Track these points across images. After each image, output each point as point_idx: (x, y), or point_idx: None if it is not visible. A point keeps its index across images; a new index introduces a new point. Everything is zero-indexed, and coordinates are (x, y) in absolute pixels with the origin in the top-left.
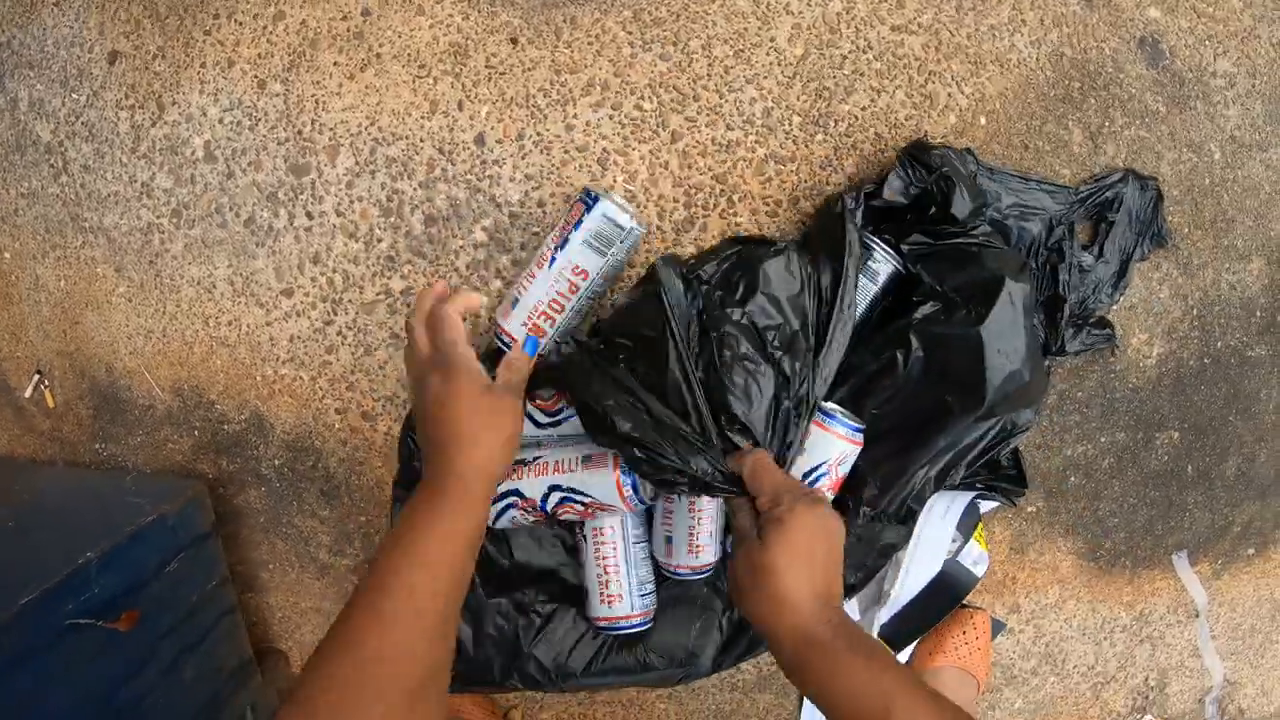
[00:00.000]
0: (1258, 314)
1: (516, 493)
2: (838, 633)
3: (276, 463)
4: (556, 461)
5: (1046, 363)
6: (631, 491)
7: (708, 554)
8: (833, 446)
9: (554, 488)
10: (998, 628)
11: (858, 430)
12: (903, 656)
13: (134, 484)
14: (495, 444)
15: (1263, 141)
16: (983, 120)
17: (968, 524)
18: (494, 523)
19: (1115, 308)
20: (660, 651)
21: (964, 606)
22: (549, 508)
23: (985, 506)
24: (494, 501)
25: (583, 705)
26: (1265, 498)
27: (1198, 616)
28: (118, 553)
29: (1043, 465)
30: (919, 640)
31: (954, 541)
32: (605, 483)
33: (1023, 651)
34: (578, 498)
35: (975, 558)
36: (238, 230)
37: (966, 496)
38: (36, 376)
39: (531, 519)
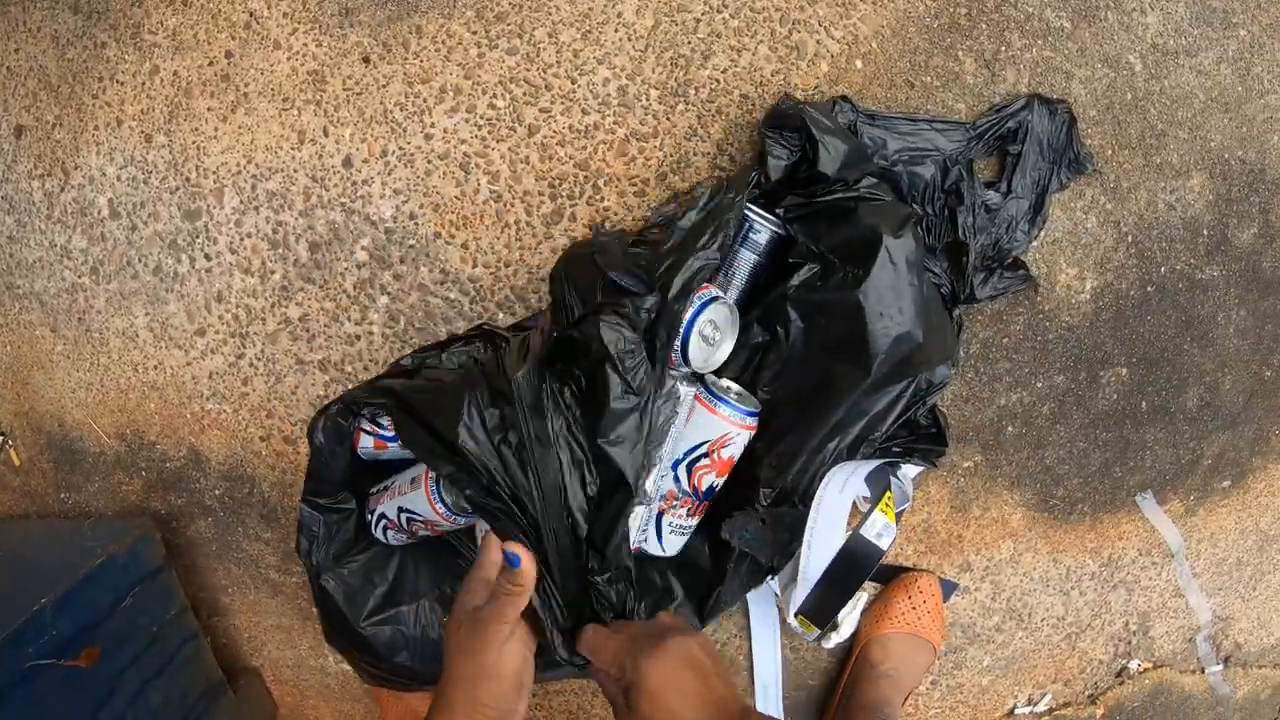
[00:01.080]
0: (1204, 233)
1: (384, 515)
2: None
3: (217, 493)
4: (398, 485)
5: (957, 312)
6: (444, 508)
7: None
8: (714, 427)
9: (400, 509)
10: (949, 589)
11: (749, 414)
12: (846, 629)
13: (90, 528)
14: (459, 671)
15: (1190, 46)
16: (859, 64)
17: (876, 494)
18: (383, 539)
19: (1036, 244)
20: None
21: (908, 570)
22: (408, 528)
23: (912, 471)
24: (372, 522)
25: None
26: (1235, 426)
27: (1174, 556)
28: (72, 595)
29: (974, 419)
30: (864, 610)
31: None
32: (422, 500)
33: (982, 609)
34: (416, 517)
35: (879, 529)
36: (148, 279)
37: (867, 466)
38: (1, 438)
39: (406, 538)
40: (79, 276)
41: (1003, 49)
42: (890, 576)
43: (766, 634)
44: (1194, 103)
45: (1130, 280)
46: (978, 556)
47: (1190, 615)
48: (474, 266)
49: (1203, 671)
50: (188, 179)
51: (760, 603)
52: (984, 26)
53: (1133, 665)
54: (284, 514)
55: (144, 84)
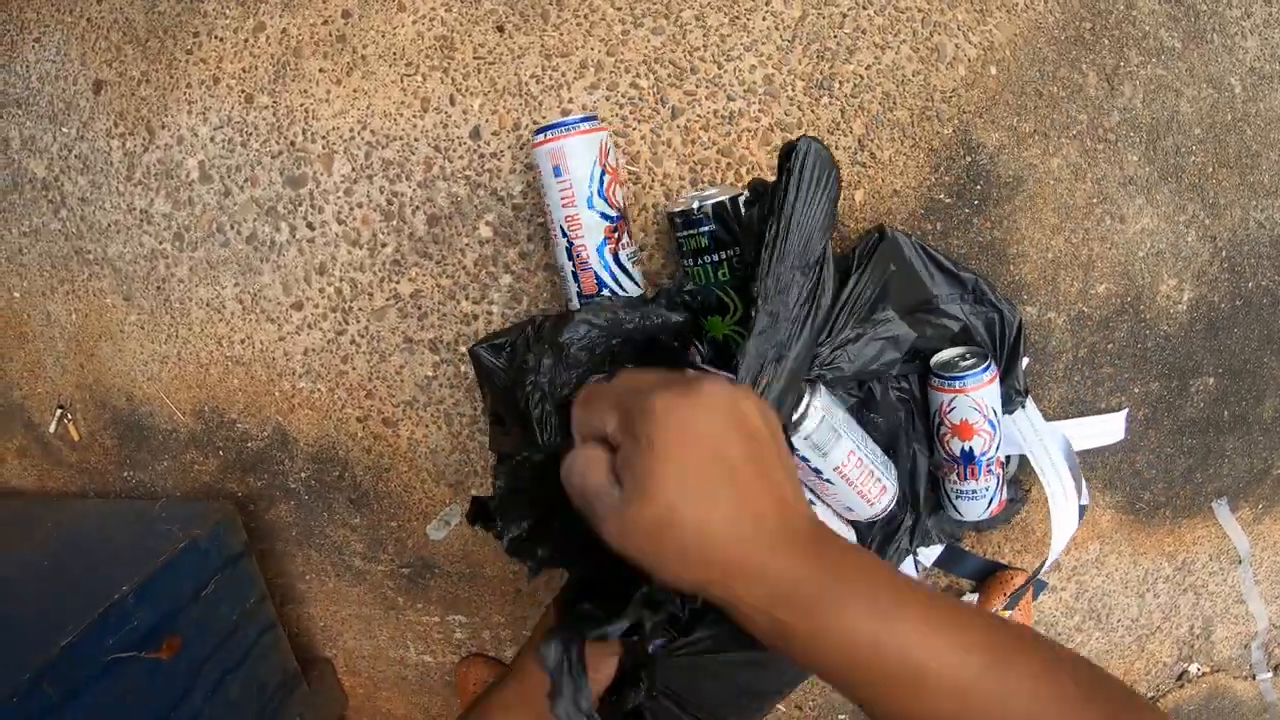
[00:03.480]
0: None
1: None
2: (829, 565)
3: (303, 475)
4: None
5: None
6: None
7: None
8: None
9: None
10: (1039, 587)
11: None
12: None
13: (163, 510)
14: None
15: None
16: (993, 70)
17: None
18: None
19: (1143, 255)
20: None
21: (1004, 568)
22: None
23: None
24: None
25: None
26: None
27: (1240, 563)
28: (152, 582)
29: None
30: None
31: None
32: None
33: (1065, 609)
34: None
35: None
36: (241, 248)
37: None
38: (59, 411)
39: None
40: (160, 243)
41: (1121, 64)
42: (988, 573)
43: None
44: None
45: (1222, 293)
46: (1067, 556)
47: (1249, 622)
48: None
49: (1254, 678)
50: (293, 143)
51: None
52: (1106, 42)
53: (1193, 669)
54: (376, 499)
55: (247, 41)
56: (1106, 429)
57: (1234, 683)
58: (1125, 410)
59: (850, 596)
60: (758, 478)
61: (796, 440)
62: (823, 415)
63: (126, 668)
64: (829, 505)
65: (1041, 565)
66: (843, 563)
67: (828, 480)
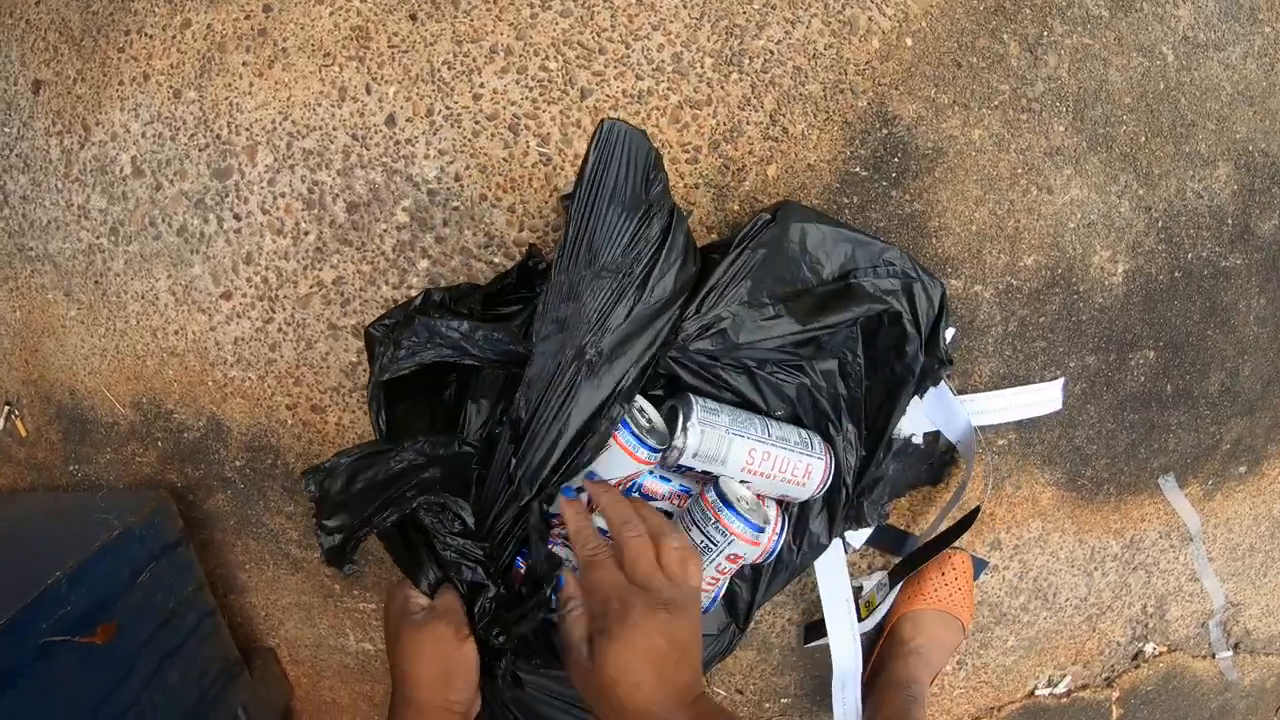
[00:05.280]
0: (1229, 222)
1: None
2: None
3: (238, 464)
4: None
5: None
6: (636, 442)
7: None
8: (624, 466)
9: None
10: (980, 567)
11: (653, 451)
12: (883, 609)
13: (103, 500)
14: (423, 673)
15: (1219, 40)
16: (909, 41)
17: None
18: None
19: (1074, 226)
20: None
21: (939, 549)
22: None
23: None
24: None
25: None
26: (1253, 412)
27: (1192, 540)
28: (86, 567)
29: None
30: (901, 585)
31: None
32: (614, 453)
33: (1010, 588)
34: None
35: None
36: (172, 240)
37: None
38: (6, 408)
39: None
40: (97, 237)
41: (1045, 34)
42: (925, 556)
43: (843, 624)
44: (1221, 95)
45: (1159, 265)
46: (1008, 535)
47: (1204, 600)
48: (520, 230)
49: (1213, 657)
50: (218, 136)
51: (834, 594)
52: (1027, 11)
53: (1148, 648)
54: None
55: (174, 37)
56: (1042, 398)
57: (1192, 662)
58: (1061, 379)
59: None
60: (676, 668)
61: (686, 460)
62: (701, 429)
63: (60, 652)
64: (765, 494)
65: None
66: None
67: (743, 481)
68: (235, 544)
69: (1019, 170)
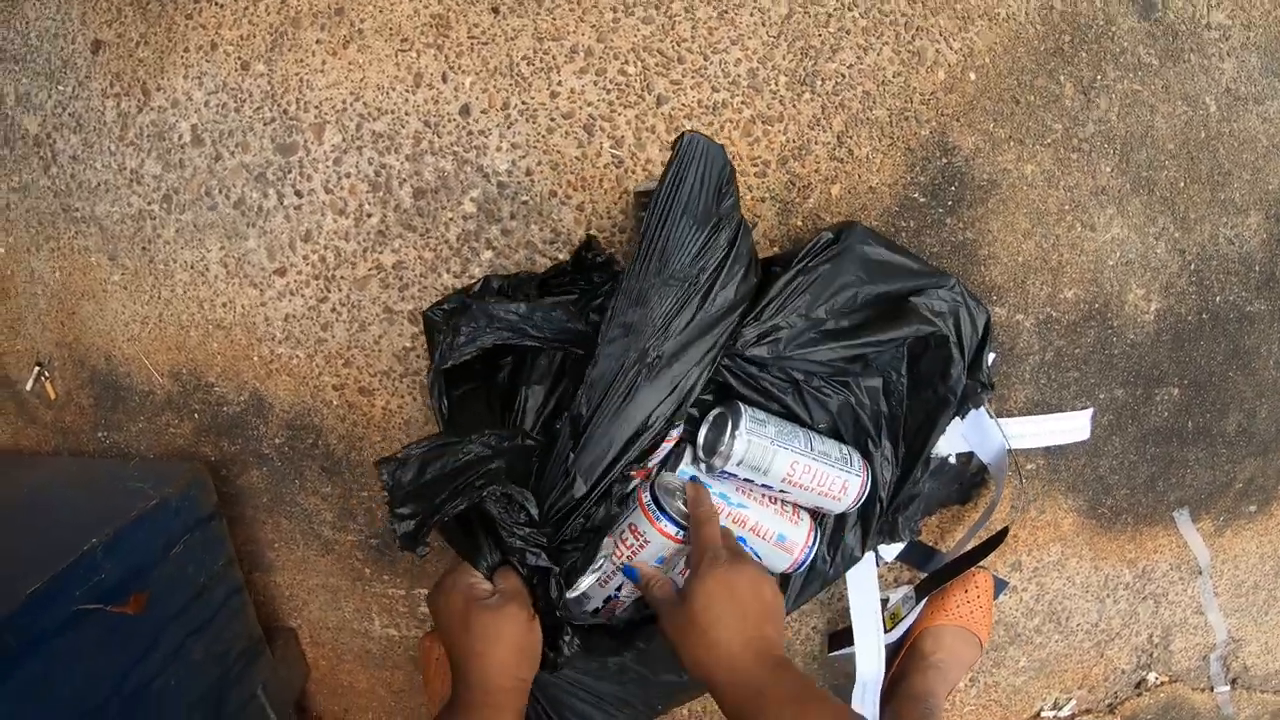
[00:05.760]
0: (1256, 269)
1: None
2: (776, 680)
3: (277, 442)
4: (603, 561)
5: None
6: (654, 504)
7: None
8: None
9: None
10: (1000, 586)
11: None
12: (907, 622)
13: (136, 470)
14: (499, 655)
15: (1259, 94)
16: (972, 76)
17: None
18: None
19: (1113, 264)
20: None
21: (967, 567)
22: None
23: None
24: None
25: None
26: (1267, 454)
27: (1200, 574)
28: (122, 536)
29: None
30: (926, 600)
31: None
32: (643, 522)
33: (1026, 610)
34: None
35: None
36: (228, 212)
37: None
38: (37, 369)
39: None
40: (148, 203)
41: (1099, 77)
42: (951, 573)
43: (871, 635)
44: (1258, 147)
45: (1189, 306)
46: (1029, 557)
47: (1208, 633)
48: (588, 229)
49: (1211, 690)
50: (285, 111)
51: (864, 605)
52: (1084, 55)
53: (1151, 677)
54: (348, 469)
55: (246, 9)
56: (1072, 426)
57: (1191, 694)
58: (1091, 410)
59: (793, 704)
60: (760, 621)
61: (730, 467)
62: (748, 438)
63: (91, 620)
64: (800, 505)
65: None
66: (796, 682)
67: (782, 491)
68: (266, 522)
69: (1066, 206)
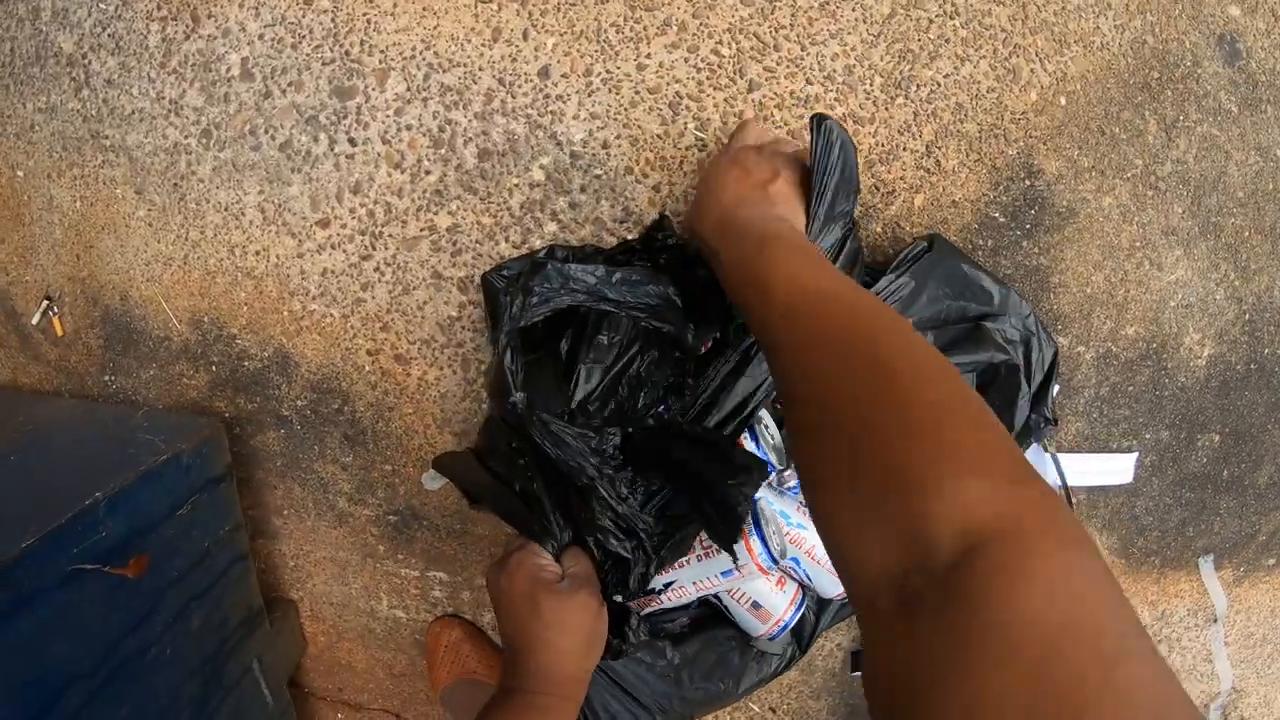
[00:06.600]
0: None
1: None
2: (763, 226)
3: (299, 404)
4: (694, 582)
5: None
6: (762, 547)
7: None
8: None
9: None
10: None
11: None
12: None
13: (146, 419)
14: (568, 644)
15: None
16: (1063, 101)
17: None
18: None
19: (1174, 305)
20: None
21: None
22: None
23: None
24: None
25: None
26: None
27: (1215, 622)
28: (128, 493)
29: None
30: None
31: None
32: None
33: None
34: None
35: None
36: (272, 154)
37: None
38: (45, 302)
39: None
40: (185, 137)
41: (1181, 118)
42: None
43: None
44: None
45: (1239, 355)
46: None
47: (1213, 682)
48: (661, 211)
49: None
50: (347, 52)
51: None
52: (1169, 94)
53: None
54: (373, 439)
55: None
56: (1116, 468)
57: None
58: (1136, 454)
59: (781, 247)
60: (764, 189)
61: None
62: None
63: (87, 581)
64: None
65: None
66: (784, 232)
67: None
68: (277, 487)
69: (1137, 243)
